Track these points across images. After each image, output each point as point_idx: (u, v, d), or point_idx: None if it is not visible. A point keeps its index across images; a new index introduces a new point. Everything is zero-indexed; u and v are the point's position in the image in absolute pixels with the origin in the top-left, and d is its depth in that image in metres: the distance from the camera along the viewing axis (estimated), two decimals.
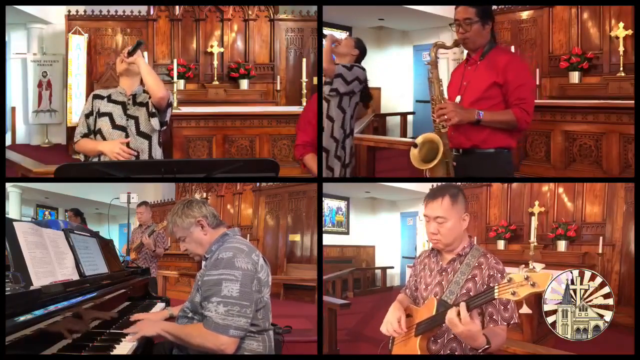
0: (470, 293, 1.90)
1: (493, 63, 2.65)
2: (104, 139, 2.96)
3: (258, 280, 2.09)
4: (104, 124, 2.97)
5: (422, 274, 2.11)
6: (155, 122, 2.99)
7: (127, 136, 2.97)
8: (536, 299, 4.25)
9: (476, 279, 1.93)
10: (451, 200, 1.98)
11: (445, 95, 2.76)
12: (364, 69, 3.58)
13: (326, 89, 3.47)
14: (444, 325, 1.90)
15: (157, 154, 3.04)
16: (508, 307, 1.88)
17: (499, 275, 1.91)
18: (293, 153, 3.67)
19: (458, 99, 2.70)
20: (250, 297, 2.03)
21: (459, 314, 1.71)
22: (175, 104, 5.88)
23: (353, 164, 3.69)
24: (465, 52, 2.81)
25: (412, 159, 2.67)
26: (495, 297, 1.66)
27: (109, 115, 2.98)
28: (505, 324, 1.87)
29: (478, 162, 2.68)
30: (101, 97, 3.04)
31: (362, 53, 3.66)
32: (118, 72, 3.07)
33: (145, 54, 6.57)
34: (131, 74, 3.03)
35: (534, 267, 1.60)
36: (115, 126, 2.97)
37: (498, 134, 2.64)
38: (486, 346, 1.75)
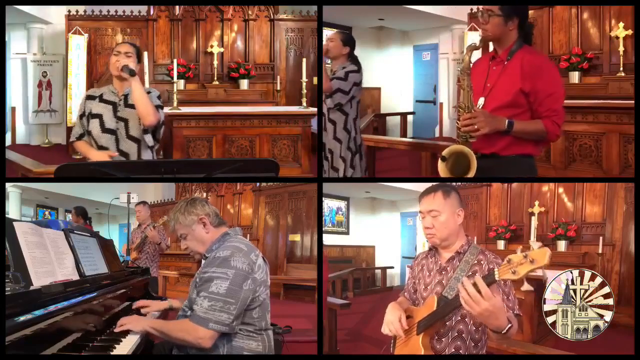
0: None
1: (521, 66, 2.42)
2: (95, 141, 2.98)
3: (253, 280, 2.09)
4: (94, 126, 2.97)
5: (421, 275, 2.11)
6: (148, 138, 2.99)
7: (116, 139, 2.96)
8: (536, 299, 4.25)
9: (477, 275, 1.93)
10: (443, 194, 2.01)
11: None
12: (358, 70, 3.58)
13: (329, 103, 3.52)
14: (447, 322, 1.89)
15: (148, 158, 3.03)
16: (510, 297, 1.89)
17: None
18: None
19: (481, 101, 2.50)
20: (237, 295, 2.03)
21: (476, 289, 1.63)
22: (175, 104, 5.88)
23: (366, 166, 3.72)
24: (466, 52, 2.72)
25: (440, 172, 2.50)
26: (497, 278, 1.64)
27: (99, 117, 2.97)
28: (511, 311, 1.86)
29: (499, 167, 2.50)
30: (93, 98, 3.04)
31: (353, 46, 3.65)
32: (112, 73, 3.04)
33: (146, 54, 6.57)
34: (124, 79, 2.99)
35: (531, 246, 1.59)
36: (104, 130, 2.96)
37: (521, 143, 2.45)
38: (509, 325, 1.70)
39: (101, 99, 3.03)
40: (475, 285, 1.65)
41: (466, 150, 2.43)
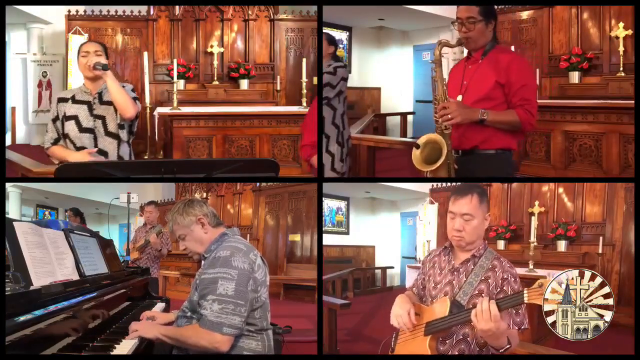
0: (483, 294, 1.87)
1: (495, 62, 2.58)
2: (72, 143, 2.96)
3: (254, 280, 2.09)
4: (70, 127, 2.96)
5: (431, 272, 2.08)
6: (124, 133, 2.99)
7: (95, 137, 2.95)
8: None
9: (489, 280, 1.91)
10: (479, 198, 1.97)
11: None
12: (344, 66, 3.77)
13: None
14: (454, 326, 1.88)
15: (125, 153, 3.02)
16: (519, 311, 1.87)
17: (513, 279, 1.90)
18: (299, 153, 3.74)
19: (459, 98, 2.63)
20: (245, 296, 2.03)
21: (490, 310, 1.68)
22: (175, 104, 5.88)
23: (349, 162, 3.79)
24: (466, 50, 2.78)
25: (414, 160, 2.59)
26: (525, 301, 1.66)
27: (75, 118, 2.96)
28: (516, 328, 1.86)
29: (478, 163, 2.63)
30: (65, 100, 3.02)
31: (336, 45, 3.82)
32: (83, 75, 3.02)
33: (145, 54, 6.58)
34: (97, 78, 2.98)
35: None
36: (82, 129, 2.96)
37: (499, 135, 2.58)
38: (507, 346, 1.74)
39: (74, 100, 3.01)
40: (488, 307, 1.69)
41: (438, 138, 2.55)
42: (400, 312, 1.94)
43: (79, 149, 2.96)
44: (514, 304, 1.70)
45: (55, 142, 3.02)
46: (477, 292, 1.90)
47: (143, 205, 5.67)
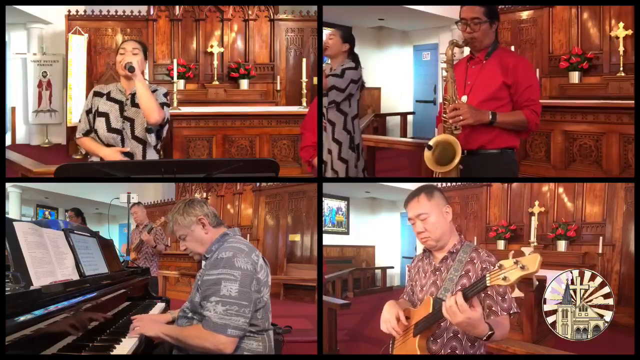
0: None
1: (500, 63, 2.61)
2: (100, 139, 2.96)
3: (257, 281, 2.09)
4: (100, 124, 2.95)
5: (417, 277, 2.12)
6: (152, 137, 2.96)
7: (122, 139, 2.94)
8: (535, 297, 4.25)
9: (470, 274, 1.93)
10: (426, 196, 2.02)
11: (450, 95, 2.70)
12: (356, 67, 3.52)
13: (325, 102, 3.49)
14: (442, 323, 1.89)
15: (150, 157, 3.00)
16: (505, 297, 1.89)
17: (492, 267, 1.92)
18: (300, 154, 3.63)
19: (464, 98, 2.63)
20: (249, 297, 2.03)
21: (456, 303, 1.70)
22: (175, 104, 5.88)
23: (364, 166, 3.70)
24: (466, 51, 2.78)
25: (426, 160, 2.61)
26: (488, 284, 1.67)
27: (106, 115, 2.95)
28: (505, 314, 1.88)
29: (483, 162, 2.66)
30: (101, 95, 3.01)
31: (353, 43, 3.57)
32: (119, 73, 3.02)
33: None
34: (129, 78, 2.97)
35: (523, 252, 1.61)
36: (110, 129, 2.94)
37: (504, 135, 2.63)
38: (489, 332, 1.74)
39: (108, 97, 3.00)
40: (455, 301, 1.70)
41: (451, 139, 2.54)
42: (388, 317, 1.97)
43: (107, 146, 2.95)
44: (478, 290, 1.71)
45: (87, 134, 3.00)
46: (459, 287, 1.91)
47: None
